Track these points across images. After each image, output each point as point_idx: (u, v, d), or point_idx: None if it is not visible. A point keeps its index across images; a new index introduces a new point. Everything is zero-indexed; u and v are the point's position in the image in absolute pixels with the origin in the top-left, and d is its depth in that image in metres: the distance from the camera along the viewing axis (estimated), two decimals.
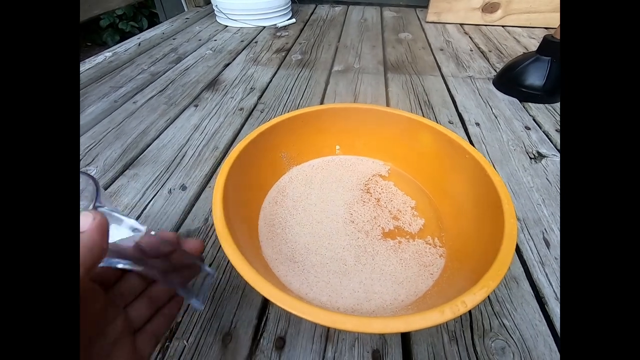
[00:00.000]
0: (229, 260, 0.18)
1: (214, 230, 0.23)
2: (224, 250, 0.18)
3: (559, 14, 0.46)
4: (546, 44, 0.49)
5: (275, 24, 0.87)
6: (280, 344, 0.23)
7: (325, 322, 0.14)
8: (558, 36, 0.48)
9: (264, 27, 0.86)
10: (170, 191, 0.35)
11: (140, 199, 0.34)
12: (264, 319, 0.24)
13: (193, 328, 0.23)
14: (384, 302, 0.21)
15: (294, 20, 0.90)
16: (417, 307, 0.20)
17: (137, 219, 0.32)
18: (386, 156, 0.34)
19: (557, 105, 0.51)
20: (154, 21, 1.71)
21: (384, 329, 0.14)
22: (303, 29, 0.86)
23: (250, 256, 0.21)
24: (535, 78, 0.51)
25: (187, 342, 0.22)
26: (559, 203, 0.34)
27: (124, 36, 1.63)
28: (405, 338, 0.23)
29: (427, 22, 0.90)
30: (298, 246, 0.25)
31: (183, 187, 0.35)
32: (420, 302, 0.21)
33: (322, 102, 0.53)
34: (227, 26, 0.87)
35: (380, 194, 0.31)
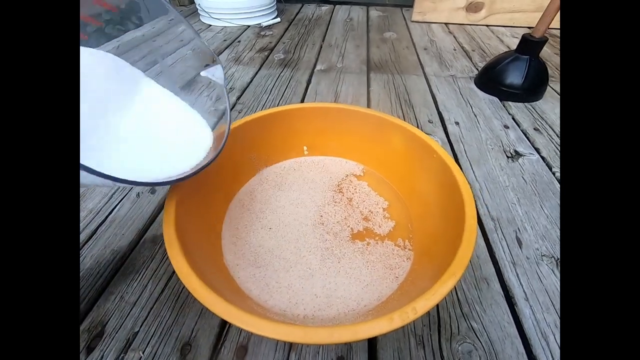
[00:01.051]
0: None
1: None
2: (170, 261, 0.17)
3: (541, 13, 0.46)
4: (524, 43, 0.49)
5: (260, 23, 0.86)
6: (242, 353, 0.22)
7: (270, 334, 0.13)
8: (536, 35, 0.48)
9: (248, 26, 0.85)
10: (138, 195, 0.34)
11: (106, 203, 0.33)
12: (227, 327, 0.23)
13: (151, 338, 0.22)
14: (346, 308, 0.21)
15: (279, 19, 0.89)
16: (378, 312, 0.20)
17: (101, 224, 0.30)
18: (360, 156, 0.34)
19: (536, 103, 0.52)
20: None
21: (328, 339, 0.13)
22: (288, 28, 0.86)
23: (206, 265, 0.20)
24: (515, 77, 0.51)
25: (143, 353, 0.21)
26: (534, 202, 0.33)
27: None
28: (371, 343, 0.22)
29: (412, 21, 0.89)
30: (262, 251, 0.24)
31: (152, 190, 0.34)
32: (382, 306, 0.20)
33: (302, 102, 0.52)
34: (210, 25, 0.85)
35: (353, 193, 0.30)
